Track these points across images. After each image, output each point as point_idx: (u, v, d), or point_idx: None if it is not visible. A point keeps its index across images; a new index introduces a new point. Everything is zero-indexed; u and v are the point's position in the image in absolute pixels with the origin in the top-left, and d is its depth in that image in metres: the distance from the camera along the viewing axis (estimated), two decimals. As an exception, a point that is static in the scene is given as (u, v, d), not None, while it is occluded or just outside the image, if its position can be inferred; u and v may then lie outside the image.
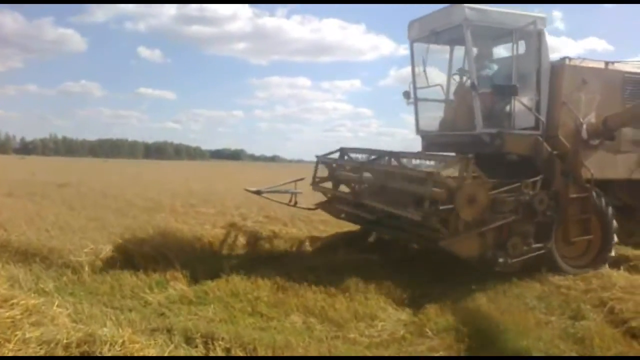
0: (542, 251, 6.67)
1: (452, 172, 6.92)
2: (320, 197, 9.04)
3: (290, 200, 8.61)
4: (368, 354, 4.66)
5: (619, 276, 6.48)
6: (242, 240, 8.61)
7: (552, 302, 5.88)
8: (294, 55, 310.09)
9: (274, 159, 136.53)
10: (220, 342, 4.28)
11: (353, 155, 8.75)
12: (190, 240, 8.17)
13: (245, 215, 10.41)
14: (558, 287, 6.31)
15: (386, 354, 4.70)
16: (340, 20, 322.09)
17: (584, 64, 7.64)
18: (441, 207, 6.19)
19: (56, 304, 4.36)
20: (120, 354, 3.45)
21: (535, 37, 7.30)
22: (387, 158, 7.68)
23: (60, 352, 3.40)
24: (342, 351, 4.59)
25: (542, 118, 7.31)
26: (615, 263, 7.27)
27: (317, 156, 9.08)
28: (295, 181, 8.60)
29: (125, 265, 6.88)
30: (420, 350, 4.76)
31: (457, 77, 8.20)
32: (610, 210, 7.31)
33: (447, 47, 8.37)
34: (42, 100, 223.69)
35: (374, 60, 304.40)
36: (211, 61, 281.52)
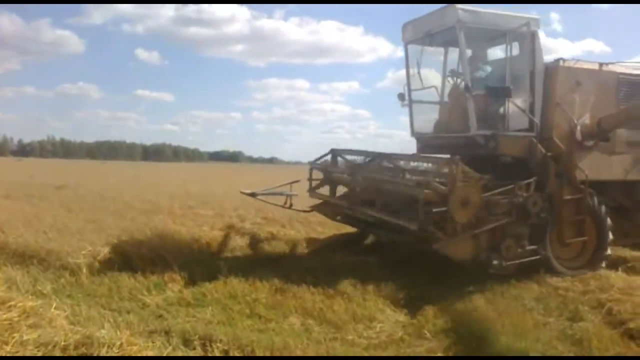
0: (537, 256, 6.69)
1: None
2: (316, 199, 9.04)
3: (285, 203, 8.59)
4: (366, 355, 4.67)
5: (617, 277, 6.50)
6: (240, 242, 8.61)
7: (550, 304, 5.91)
8: (291, 57, 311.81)
9: (272, 160, 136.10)
10: (218, 344, 4.28)
11: (348, 157, 8.69)
12: (188, 242, 8.15)
13: (243, 217, 10.43)
14: (556, 288, 6.33)
15: (384, 355, 4.71)
16: (338, 22, 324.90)
17: (578, 65, 7.63)
18: (434, 210, 6.19)
19: (54, 306, 4.37)
20: (118, 355, 3.46)
21: (528, 39, 7.29)
22: (378, 161, 7.68)
23: (58, 354, 3.40)
24: (341, 353, 4.60)
25: (536, 120, 7.32)
26: (613, 264, 7.29)
27: (310, 162, 9.08)
28: (291, 183, 8.60)
29: (123, 267, 6.86)
30: (419, 351, 4.77)
31: (451, 79, 8.19)
32: (603, 208, 7.31)
33: (442, 49, 8.36)
34: (40, 102, 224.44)
35: (372, 62, 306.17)
36: (209, 63, 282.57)
